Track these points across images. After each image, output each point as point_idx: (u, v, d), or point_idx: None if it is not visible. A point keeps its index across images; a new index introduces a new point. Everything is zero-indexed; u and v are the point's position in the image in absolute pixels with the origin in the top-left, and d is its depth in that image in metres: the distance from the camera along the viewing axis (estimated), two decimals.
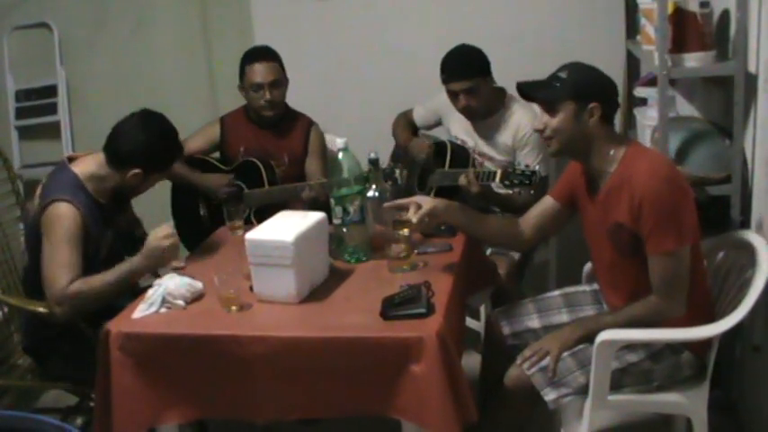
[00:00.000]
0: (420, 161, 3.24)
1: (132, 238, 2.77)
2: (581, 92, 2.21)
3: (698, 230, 2.23)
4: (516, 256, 3.06)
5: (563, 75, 2.24)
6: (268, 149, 3.32)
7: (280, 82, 3.26)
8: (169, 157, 2.63)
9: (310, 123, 3.40)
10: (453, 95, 3.08)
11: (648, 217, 2.14)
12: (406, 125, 3.42)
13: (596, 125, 2.22)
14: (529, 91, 2.31)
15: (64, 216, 2.43)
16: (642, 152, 2.26)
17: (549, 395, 2.25)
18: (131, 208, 2.81)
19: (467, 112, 3.11)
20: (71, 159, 2.59)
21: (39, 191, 2.56)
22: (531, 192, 2.76)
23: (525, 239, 2.52)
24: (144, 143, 2.51)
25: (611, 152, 2.24)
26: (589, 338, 2.23)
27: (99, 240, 2.53)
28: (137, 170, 2.51)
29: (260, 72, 3.22)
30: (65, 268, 2.40)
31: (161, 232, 2.47)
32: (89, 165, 2.55)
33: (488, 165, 3.13)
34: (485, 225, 2.53)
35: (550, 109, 2.24)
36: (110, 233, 2.60)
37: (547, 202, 2.50)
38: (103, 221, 2.55)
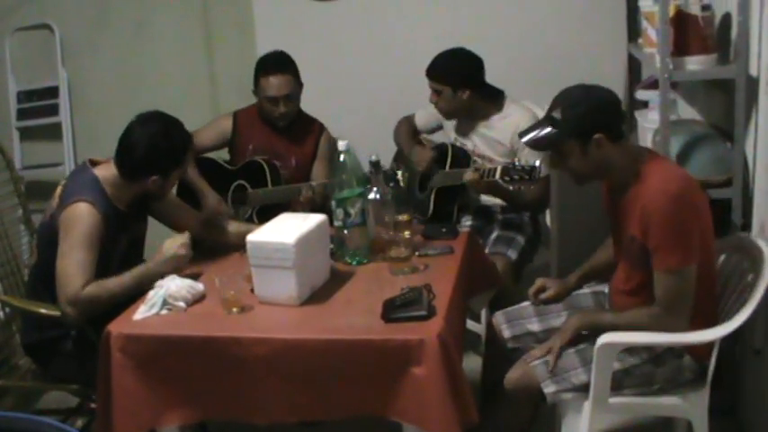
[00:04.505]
0: (420, 169, 3.24)
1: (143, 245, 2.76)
2: (580, 129, 2.16)
3: (710, 247, 2.22)
4: (513, 255, 3.06)
5: (557, 115, 2.19)
6: (277, 150, 3.30)
7: (294, 95, 3.22)
8: (180, 151, 2.56)
9: (322, 129, 3.38)
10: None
11: (655, 233, 2.12)
12: (408, 130, 3.41)
13: (607, 150, 2.17)
14: (532, 143, 2.27)
15: (85, 216, 2.42)
16: (658, 167, 2.20)
17: (549, 387, 2.25)
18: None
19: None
20: (93, 163, 2.58)
21: (59, 191, 2.55)
22: (532, 187, 2.76)
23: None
24: (151, 149, 2.47)
25: (630, 166, 2.21)
26: (588, 329, 2.25)
27: (112, 245, 2.52)
28: (154, 177, 2.50)
29: (275, 86, 3.17)
30: (81, 269, 2.39)
31: (178, 241, 2.49)
32: (110, 171, 2.53)
33: (488, 166, 3.13)
34: (601, 263, 2.55)
35: (558, 153, 2.22)
36: (124, 239, 2.60)
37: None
38: (119, 227, 2.54)
